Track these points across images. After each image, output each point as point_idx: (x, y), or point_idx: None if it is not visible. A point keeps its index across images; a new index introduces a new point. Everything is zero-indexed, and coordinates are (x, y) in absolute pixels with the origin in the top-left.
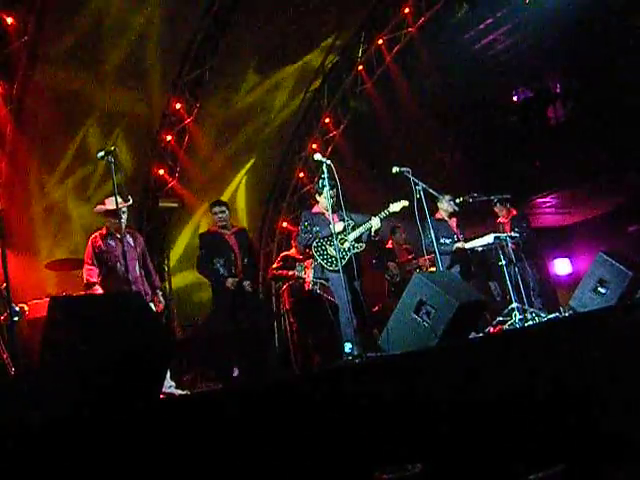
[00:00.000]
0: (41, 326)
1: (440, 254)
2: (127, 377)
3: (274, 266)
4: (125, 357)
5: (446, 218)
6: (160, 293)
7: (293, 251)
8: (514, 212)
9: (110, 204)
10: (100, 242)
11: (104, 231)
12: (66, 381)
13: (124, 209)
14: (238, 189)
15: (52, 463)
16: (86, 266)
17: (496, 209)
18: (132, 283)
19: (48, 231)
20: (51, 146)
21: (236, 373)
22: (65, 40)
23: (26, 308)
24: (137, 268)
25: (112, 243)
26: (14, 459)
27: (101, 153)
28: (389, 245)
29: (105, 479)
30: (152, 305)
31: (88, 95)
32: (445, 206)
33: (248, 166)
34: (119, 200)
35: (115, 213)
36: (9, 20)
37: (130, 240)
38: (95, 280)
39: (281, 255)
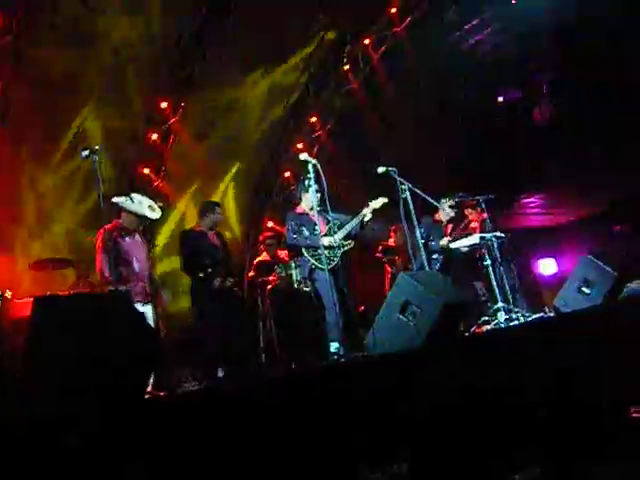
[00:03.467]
0: (25, 326)
1: (434, 252)
2: (112, 377)
3: (250, 274)
4: (110, 357)
5: (444, 222)
6: (163, 291)
7: (264, 255)
8: (484, 216)
9: (140, 204)
10: (115, 237)
11: (117, 226)
12: (50, 381)
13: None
14: (228, 189)
15: (37, 464)
16: (103, 262)
17: (467, 214)
18: (144, 279)
19: (32, 230)
20: (39, 144)
21: (221, 374)
22: (51, 35)
23: (8, 294)
24: (147, 265)
25: (127, 239)
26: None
27: (85, 152)
28: (391, 243)
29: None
30: (164, 296)
31: (76, 90)
32: (447, 211)
33: (234, 169)
34: (153, 209)
35: (137, 216)
36: None
37: (139, 238)
38: (113, 277)
39: (255, 262)
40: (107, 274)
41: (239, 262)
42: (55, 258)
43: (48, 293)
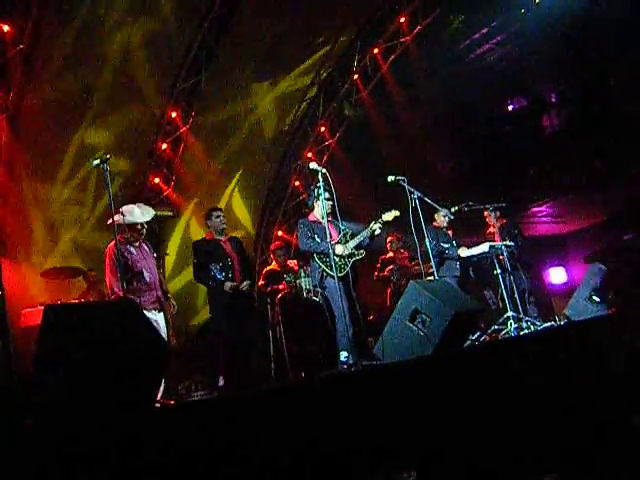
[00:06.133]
0: (35, 334)
1: (447, 259)
2: (122, 385)
3: (260, 283)
4: (120, 365)
5: (443, 227)
6: (170, 297)
7: (274, 264)
8: (503, 221)
9: (130, 214)
10: (122, 252)
11: (121, 239)
12: (60, 389)
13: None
14: (233, 197)
15: (47, 471)
16: (112, 279)
17: (487, 218)
18: (156, 288)
19: (43, 239)
20: (48, 153)
21: (221, 382)
22: (61, 45)
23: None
24: (157, 273)
25: (133, 250)
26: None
27: (96, 161)
28: (389, 255)
29: None
30: (171, 305)
31: (85, 100)
32: (442, 219)
33: (237, 175)
34: (143, 213)
35: (136, 226)
36: (5, 28)
37: (146, 247)
38: (122, 293)
39: (264, 272)
40: (117, 289)
41: None
42: (66, 267)
43: (59, 301)
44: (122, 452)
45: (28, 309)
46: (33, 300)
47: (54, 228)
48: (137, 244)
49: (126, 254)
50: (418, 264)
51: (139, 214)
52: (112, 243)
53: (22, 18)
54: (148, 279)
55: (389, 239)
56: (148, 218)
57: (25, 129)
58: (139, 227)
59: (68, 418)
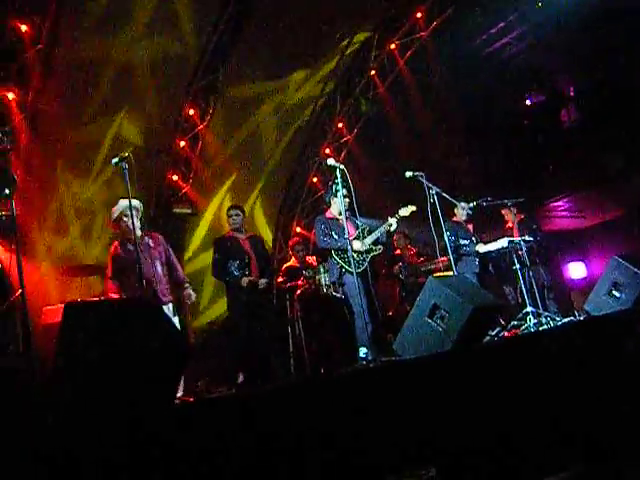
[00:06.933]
0: (55, 332)
1: (464, 255)
2: (142, 382)
3: (279, 280)
4: (139, 362)
5: (462, 222)
6: (189, 286)
7: (293, 261)
8: (521, 216)
9: (115, 213)
10: (119, 250)
11: (118, 243)
12: (80, 387)
13: (128, 212)
14: (252, 195)
15: (66, 469)
16: (108, 280)
17: (504, 213)
18: (155, 283)
19: (63, 238)
20: (67, 152)
21: (241, 379)
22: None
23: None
24: (159, 268)
25: (131, 248)
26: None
27: (115, 159)
28: (397, 252)
29: None
30: (190, 294)
31: (104, 102)
32: (460, 212)
33: (260, 175)
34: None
35: (122, 219)
36: (23, 28)
37: (149, 242)
38: (117, 296)
39: (283, 268)
40: (106, 294)
41: None
42: (86, 265)
43: (79, 299)
44: (142, 449)
45: (48, 307)
46: (53, 298)
47: (75, 227)
48: (136, 239)
49: (122, 254)
50: (426, 260)
51: (115, 211)
52: (113, 245)
53: (40, 17)
54: (146, 274)
55: (395, 236)
56: (123, 204)
57: (45, 129)
58: (125, 219)
59: (87, 416)
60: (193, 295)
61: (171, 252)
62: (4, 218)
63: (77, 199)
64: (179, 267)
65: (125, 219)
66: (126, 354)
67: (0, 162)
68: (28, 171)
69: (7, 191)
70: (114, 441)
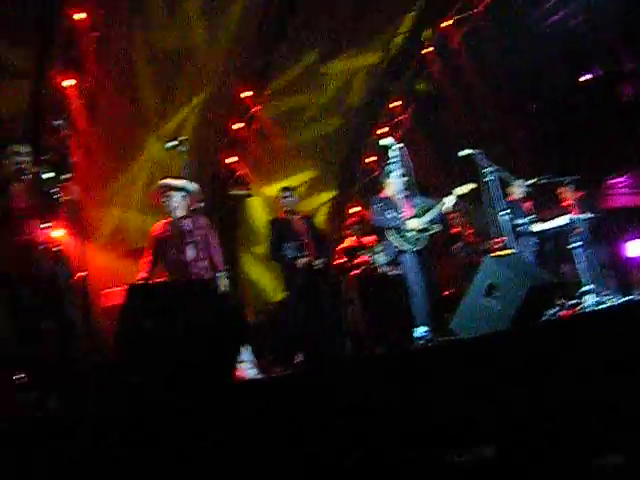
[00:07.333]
0: (116, 314)
1: (521, 234)
2: (201, 361)
3: (335, 260)
4: (198, 342)
5: (519, 200)
6: (222, 276)
7: (350, 240)
8: (580, 194)
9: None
10: (157, 231)
11: (159, 227)
12: (141, 366)
13: (168, 193)
14: (303, 174)
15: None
16: (142, 259)
17: (561, 191)
18: (187, 267)
19: (124, 221)
20: (126, 138)
21: (299, 359)
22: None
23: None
24: (192, 252)
25: (168, 229)
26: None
27: (171, 143)
28: (455, 230)
29: (175, 461)
30: (221, 283)
31: (163, 86)
32: (516, 190)
33: (314, 155)
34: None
35: (161, 200)
36: (80, 16)
37: (189, 224)
38: (145, 275)
39: (339, 248)
40: (139, 273)
41: None
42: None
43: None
44: (202, 427)
45: (109, 289)
46: (114, 281)
47: (135, 210)
48: (174, 221)
49: (159, 234)
50: (483, 240)
51: (159, 185)
52: (156, 224)
53: (97, 5)
54: (178, 258)
55: (451, 215)
56: (163, 183)
57: (103, 114)
58: (165, 199)
59: (147, 394)
60: (223, 284)
61: (213, 237)
62: (66, 202)
63: (137, 182)
64: (218, 253)
65: (165, 199)
66: (186, 334)
67: (60, 148)
68: (87, 156)
69: (68, 175)
70: (174, 418)
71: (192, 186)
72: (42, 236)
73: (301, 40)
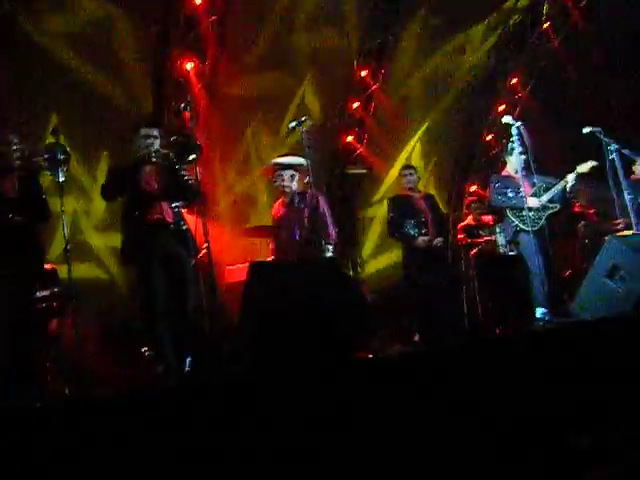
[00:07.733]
0: (239, 291)
1: None
2: (323, 337)
3: (455, 238)
4: (321, 319)
5: None
6: (329, 249)
7: (469, 219)
8: None
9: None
10: (274, 209)
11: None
12: (263, 340)
13: (280, 173)
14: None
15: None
16: (264, 238)
17: None
18: (297, 243)
19: (246, 200)
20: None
21: (416, 338)
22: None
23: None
24: (302, 230)
25: (282, 207)
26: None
27: (293, 123)
28: (576, 209)
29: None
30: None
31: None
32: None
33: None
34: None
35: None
36: (198, 1)
37: (298, 201)
38: (270, 255)
39: (459, 226)
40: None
41: None
42: (267, 225)
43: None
44: (325, 401)
45: (231, 266)
46: (237, 258)
47: (258, 187)
48: (286, 198)
49: (275, 211)
50: (606, 219)
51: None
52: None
53: None
54: (288, 236)
55: (574, 194)
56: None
57: (221, 97)
58: (276, 179)
59: (268, 366)
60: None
61: (323, 211)
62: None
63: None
64: (330, 227)
65: (276, 178)
66: (309, 311)
67: (184, 130)
68: (209, 138)
69: (193, 156)
70: (294, 392)
71: (301, 162)
72: (172, 216)
73: (417, 17)
